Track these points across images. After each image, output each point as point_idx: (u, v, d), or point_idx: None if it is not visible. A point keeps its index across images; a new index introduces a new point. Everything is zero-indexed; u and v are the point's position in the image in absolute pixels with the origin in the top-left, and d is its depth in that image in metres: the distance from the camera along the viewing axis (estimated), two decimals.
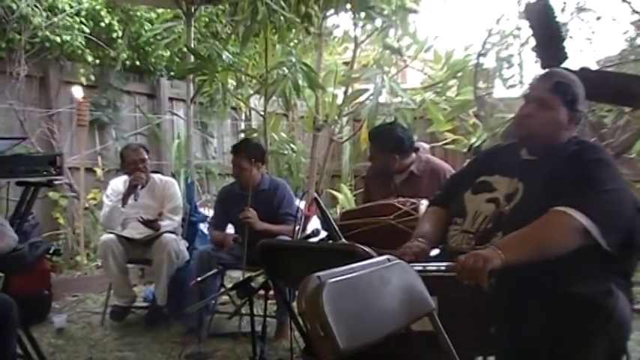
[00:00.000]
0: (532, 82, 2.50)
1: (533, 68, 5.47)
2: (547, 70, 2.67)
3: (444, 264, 2.18)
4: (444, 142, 7.31)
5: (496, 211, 2.41)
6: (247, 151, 4.64)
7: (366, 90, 6.34)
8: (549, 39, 4.15)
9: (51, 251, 5.10)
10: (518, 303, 2.10)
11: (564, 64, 3.87)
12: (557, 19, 4.34)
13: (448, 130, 7.08)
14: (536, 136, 2.42)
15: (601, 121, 5.37)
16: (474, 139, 6.70)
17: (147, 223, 4.89)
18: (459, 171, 3.07)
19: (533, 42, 4.43)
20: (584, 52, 5.59)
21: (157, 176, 5.31)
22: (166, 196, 5.10)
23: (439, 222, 2.66)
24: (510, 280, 2.07)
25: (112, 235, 4.85)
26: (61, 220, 6.77)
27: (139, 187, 4.93)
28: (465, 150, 6.83)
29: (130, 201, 4.90)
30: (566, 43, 4.16)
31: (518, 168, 2.47)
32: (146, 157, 5.10)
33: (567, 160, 2.33)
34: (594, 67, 5.15)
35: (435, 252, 2.63)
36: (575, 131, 2.48)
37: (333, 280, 1.47)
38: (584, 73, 2.88)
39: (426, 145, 5.33)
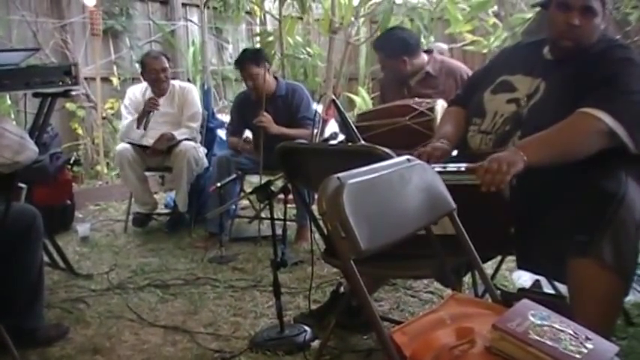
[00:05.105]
0: None
1: None
2: None
3: (464, 165, 2.15)
4: (463, 43, 7.15)
5: (517, 110, 2.36)
6: (250, 58, 4.55)
7: None
8: None
9: (71, 162, 5.15)
10: (538, 197, 2.09)
11: None
12: None
13: (467, 31, 6.92)
14: (580, 46, 2.30)
15: (626, 18, 5.22)
16: (492, 39, 6.58)
17: (158, 150, 4.86)
18: (479, 69, 2.95)
19: None
20: None
21: (176, 82, 5.25)
22: (185, 103, 5.05)
23: (460, 122, 2.61)
24: (531, 177, 2.05)
25: (127, 145, 4.86)
26: (80, 131, 6.81)
27: (152, 113, 4.86)
28: (485, 51, 6.71)
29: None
30: None
31: (541, 68, 2.39)
32: (167, 65, 5.02)
33: (594, 59, 2.25)
34: None
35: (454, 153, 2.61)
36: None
37: (354, 180, 1.45)
38: None
39: (444, 47, 5.21)
